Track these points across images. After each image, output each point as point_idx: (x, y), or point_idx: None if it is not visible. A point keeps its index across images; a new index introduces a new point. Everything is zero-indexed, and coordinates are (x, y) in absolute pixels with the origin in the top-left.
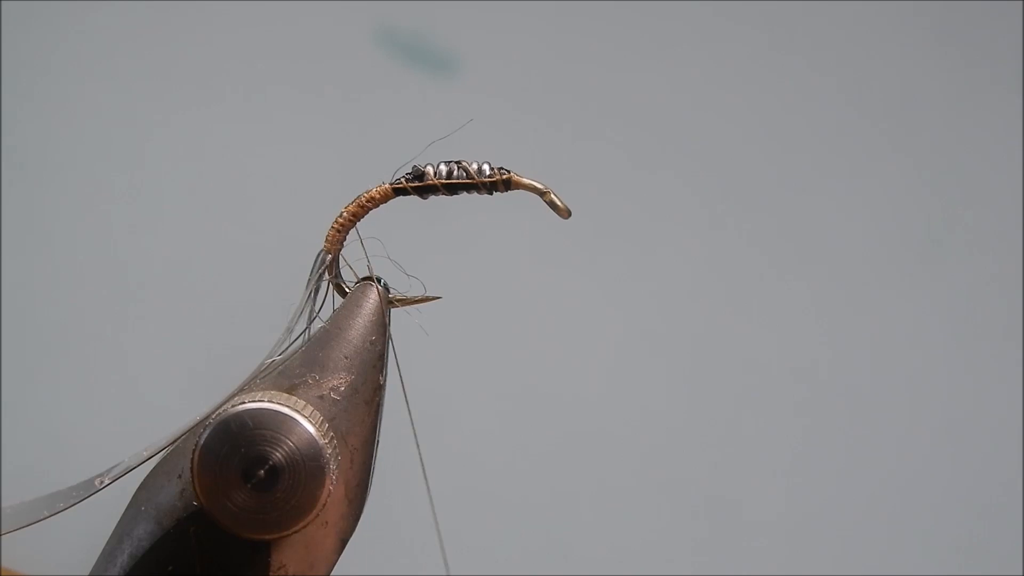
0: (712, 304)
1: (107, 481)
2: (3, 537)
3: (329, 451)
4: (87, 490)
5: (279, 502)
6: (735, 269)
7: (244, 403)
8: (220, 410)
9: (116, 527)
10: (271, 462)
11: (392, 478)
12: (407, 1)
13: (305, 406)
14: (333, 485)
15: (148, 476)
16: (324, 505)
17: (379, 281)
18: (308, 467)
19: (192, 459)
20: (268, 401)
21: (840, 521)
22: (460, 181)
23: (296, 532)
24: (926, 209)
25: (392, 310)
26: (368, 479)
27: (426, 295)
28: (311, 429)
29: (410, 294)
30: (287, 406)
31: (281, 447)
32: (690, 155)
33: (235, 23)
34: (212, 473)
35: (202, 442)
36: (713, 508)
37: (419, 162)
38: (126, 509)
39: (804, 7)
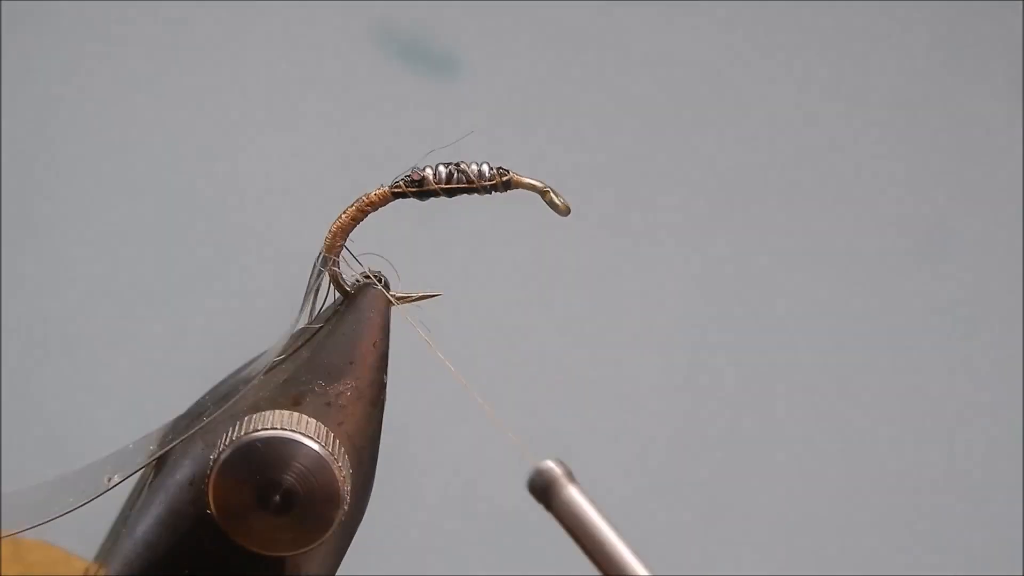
0: (712, 304)
1: (116, 479)
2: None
3: (342, 472)
4: (95, 487)
5: (294, 522)
6: (735, 268)
7: (257, 430)
8: (233, 434)
9: (128, 526)
10: (285, 486)
11: (391, 478)
12: (407, 1)
13: (317, 428)
14: (347, 504)
15: (156, 478)
16: (338, 524)
17: (380, 281)
18: (321, 489)
19: (208, 483)
20: (278, 428)
21: (839, 520)
22: (459, 185)
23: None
24: (926, 208)
25: (392, 308)
26: (372, 474)
27: (426, 292)
28: (319, 449)
29: (411, 292)
30: (298, 431)
31: (292, 471)
32: (690, 154)
33: (234, 23)
34: (229, 499)
35: (218, 468)
36: (713, 507)
37: (418, 165)
38: (136, 505)
39: (805, 6)
